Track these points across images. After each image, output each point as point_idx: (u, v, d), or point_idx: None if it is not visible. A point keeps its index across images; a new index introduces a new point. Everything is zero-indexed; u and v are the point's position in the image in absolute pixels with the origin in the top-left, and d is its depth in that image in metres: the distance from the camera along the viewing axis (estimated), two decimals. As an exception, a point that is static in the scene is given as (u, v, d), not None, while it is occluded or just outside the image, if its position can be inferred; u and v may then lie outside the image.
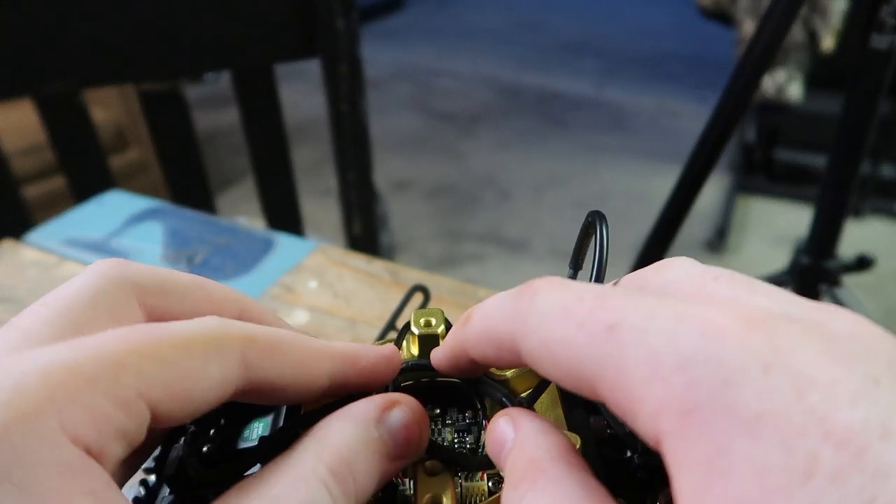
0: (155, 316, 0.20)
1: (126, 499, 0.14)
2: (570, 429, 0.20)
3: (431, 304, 0.47)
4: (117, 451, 0.15)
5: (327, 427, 0.18)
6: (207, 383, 0.16)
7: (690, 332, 0.13)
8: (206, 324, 0.17)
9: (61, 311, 0.17)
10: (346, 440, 0.17)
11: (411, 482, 0.20)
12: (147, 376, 0.15)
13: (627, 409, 0.14)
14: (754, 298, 0.15)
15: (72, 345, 0.15)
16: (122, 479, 0.19)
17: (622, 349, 0.14)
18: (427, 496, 0.18)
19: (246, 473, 0.20)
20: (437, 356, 0.21)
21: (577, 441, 0.19)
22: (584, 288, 0.15)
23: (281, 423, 0.21)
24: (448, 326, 0.24)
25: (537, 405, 0.21)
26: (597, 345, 0.14)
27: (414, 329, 0.23)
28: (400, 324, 0.44)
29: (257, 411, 0.23)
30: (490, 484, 0.20)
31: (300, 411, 0.21)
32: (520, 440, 0.18)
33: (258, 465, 0.20)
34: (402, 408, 0.19)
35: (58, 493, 0.13)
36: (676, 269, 0.17)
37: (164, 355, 0.15)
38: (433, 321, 0.24)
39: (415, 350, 0.24)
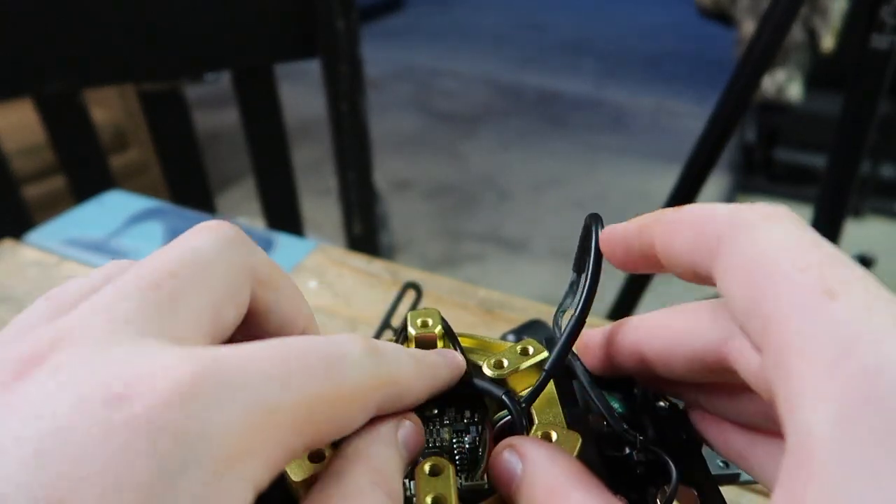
0: (255, 305, 0.19)
1: None
2: (569, 427, 0.20)
3: (431, 304, 0.47)
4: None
5: (369, 449, 0.18)
6: (349, 430, 0.16)
7: None
8: (367, 369, 0.17)
9: (200, 290, 0.16)
10: (387, 462, 0.18)
11: (412, 483, 0.20)
12: (321, 432, 0.15)
13: (781, 363, 0.13)
14: None
15: (270, 376, 0.14)
16: None
17: (827, 316, 0.13)
18: (429, 497, 0.18)
19: None
20: (611, 232, 0.20)
21: (578, 439, 0.19)
22: (818, 237, 0.15)
23: None
24: (445, 327, 0.24)
25: (535, 404, 0.21)
26: (805, 294, 0.13)
27: (411, 330, 0.23)
28: (395, 321, 0.44)
29: None
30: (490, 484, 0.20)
31: None
32: (531, 470, 0.18)
33: None
34: (409, 424, 0.19)
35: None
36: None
37: (338, 412, 0.15)
38: (430, 322, 0.23)
39: None
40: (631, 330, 0.20)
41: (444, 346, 0.24)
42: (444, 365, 0.21)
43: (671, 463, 0.19)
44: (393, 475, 0.17)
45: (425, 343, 0.23)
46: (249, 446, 0.13)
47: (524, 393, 0.21)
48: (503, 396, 0.20)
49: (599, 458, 0.20)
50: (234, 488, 0.12)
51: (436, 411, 0.23)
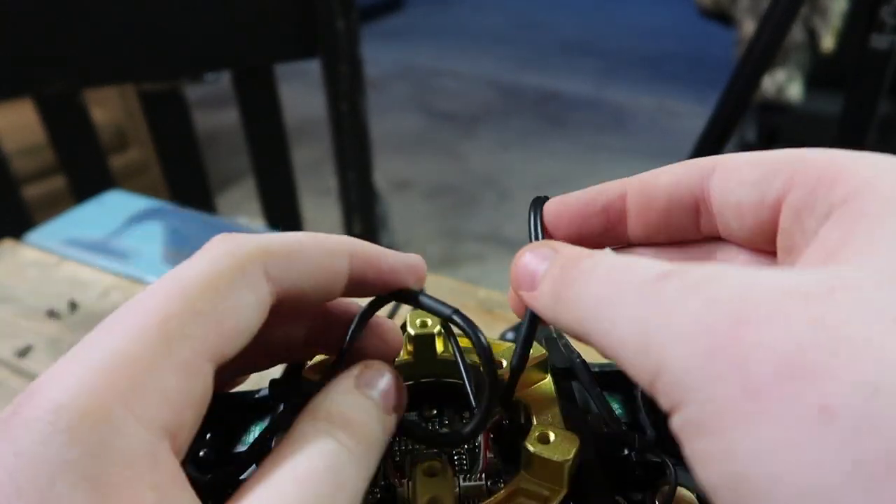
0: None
1: (189, 490, 0.14)
2: (568, 427, 0.20)
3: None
4: (193, 415, 0.15)
5: (316, 400, 0.18)
6: (247, 311, 0.16)
7: None
8: (220, 252, 0.17)
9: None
10: (339, 402, 0.17)
11: (410, 483, 0.20)
12: (196, 336, 0.15)
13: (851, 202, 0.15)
14: None
15: (115, 334, 0.15)
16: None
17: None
18: (426, 497, 0.18)
19: (242, 476, 0.20)
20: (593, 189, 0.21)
21: (576, 441, 0.19)
22: None
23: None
24: (444, 326, 0.24)
25: (532, 401, 0.21)
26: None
27: (410, 329, 0.23)
28: (396, 323, 0.44)
29: (256, 415, 0.22)
30: (489, 483, 0.20)
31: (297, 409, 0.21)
32: (567, 249, 0.18)
33: (253, 466, 0.20)
34: (376, 369, 0.19)
35: (125, 488, 0.13)
36: None
37: (201, 308, 0.15)
38: (429, 322, 0.23)
39: (410, 350, 0.24)
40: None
41: (443, 346, 0.24)
42: (392, 257, 0.20)
43: (670, 464, 0.19)
44: (349, 411, 0.17)
45: (423, 342, 0.23)
46: (117, 389, 0.14)
47: (529, 397, 0.21)
48: (453, 315, 0.20)
49: (598, 459, 0.20)
50: (115, 432, 0.13)
51: (434, 412, 0.23)
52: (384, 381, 0.19)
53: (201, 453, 0.20)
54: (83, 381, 0.14)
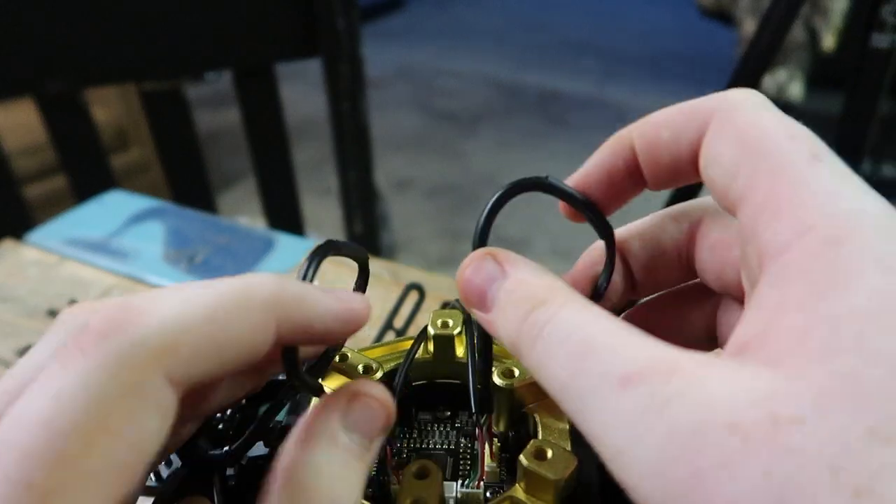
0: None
1: None
2: (576, 447, 0.19)
3: (432, 304, 0.47)
4: (155, 448, 0.14)
5: (293, 454, 0.16)
6: (151, 436, 0.14)
7: None
8: (107, 360, 0.13)
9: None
10: (319, 471, 0.15)
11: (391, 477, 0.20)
12: (91, 496, 0.13)
13: (769, 204, 0.15)
14: None
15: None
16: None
17: (816, 173, 0.15)
18: (408, 500, 0.18)
19: (248, 454, 0.20)
20: (580, 174, 0.21)
21: (573, 463, 0.18)
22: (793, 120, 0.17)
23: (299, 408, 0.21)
24: (467, 329, 0.23)
25: (544, 415, 0.21)
26: (796, 155, 0.15)
27: (430, 329, 0.23)
28: (397, 323, 0.44)
29: (271, 396, 0.22)
30: (488, 493, 0.20)
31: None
32: (518, 274, 0.18)
33: (261, 444, 0.20)
34: (363, 403, 0.17)
35: None
36: None
37: (89, 467, 0.13)
38: (451, 322, 0.23)
39: (430, 349, 0.23)
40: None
41: (464, 351, 0.23)
42: (358, 318, 0.18)
43: None
44: (316, 477, 0.15)
45: (443, 343, 0.23)
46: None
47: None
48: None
49: (601, 485, 0.19)
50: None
51: (448, 413, 0.23)
52: (373, 420, 0.17)
53: (220, 426, 0.20)
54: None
